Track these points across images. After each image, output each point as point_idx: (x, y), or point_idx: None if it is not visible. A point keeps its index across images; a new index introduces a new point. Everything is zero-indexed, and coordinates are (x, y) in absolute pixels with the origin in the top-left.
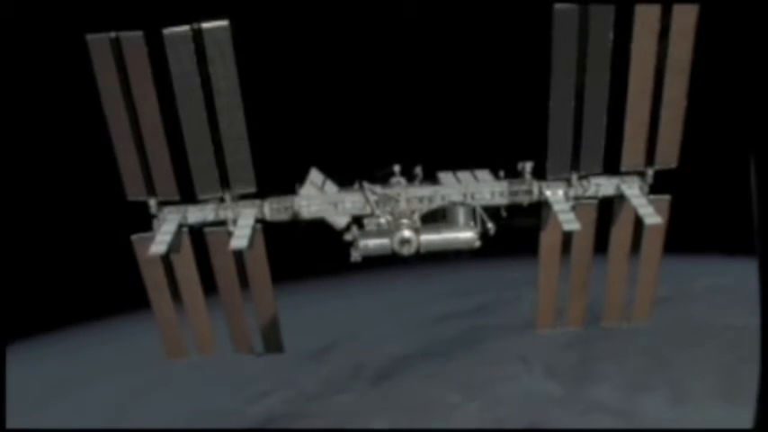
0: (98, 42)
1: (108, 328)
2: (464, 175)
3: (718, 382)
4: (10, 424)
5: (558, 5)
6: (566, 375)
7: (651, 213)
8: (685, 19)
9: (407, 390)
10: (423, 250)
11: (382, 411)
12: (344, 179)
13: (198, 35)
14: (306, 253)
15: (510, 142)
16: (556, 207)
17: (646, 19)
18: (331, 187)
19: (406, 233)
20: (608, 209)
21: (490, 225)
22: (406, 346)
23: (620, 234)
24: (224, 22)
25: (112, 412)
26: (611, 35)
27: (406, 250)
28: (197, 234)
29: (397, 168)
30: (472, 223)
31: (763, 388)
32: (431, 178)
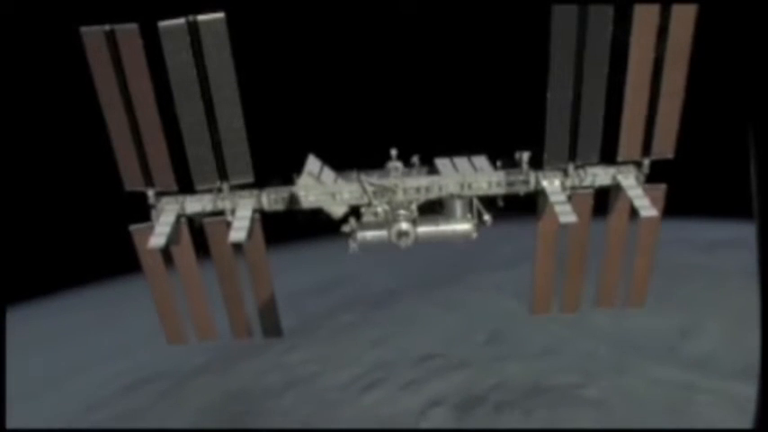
0: (92, 35)
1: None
2: (461, 162)
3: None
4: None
5: (556, 6)
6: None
7: (647, 206)
8: (685, 14)
9: (401, 310)
10: (420, 242)
11: (379, 325)
12: (343, 165)
13: (194, 28)
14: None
15: (506, 130)
16: (552, 198)
17: (645, 19)
18: (328, 175)
19: (404, 226)
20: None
21: (487, 217)
22: (399, 282)
23: (616, 222)
24: (220, 15)
25: (126, 349)
26: (609, 34)
27: (404, 242)
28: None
29: (394, 152)
30: (469, 215)
31: (763, 388)
32: (428, 163)
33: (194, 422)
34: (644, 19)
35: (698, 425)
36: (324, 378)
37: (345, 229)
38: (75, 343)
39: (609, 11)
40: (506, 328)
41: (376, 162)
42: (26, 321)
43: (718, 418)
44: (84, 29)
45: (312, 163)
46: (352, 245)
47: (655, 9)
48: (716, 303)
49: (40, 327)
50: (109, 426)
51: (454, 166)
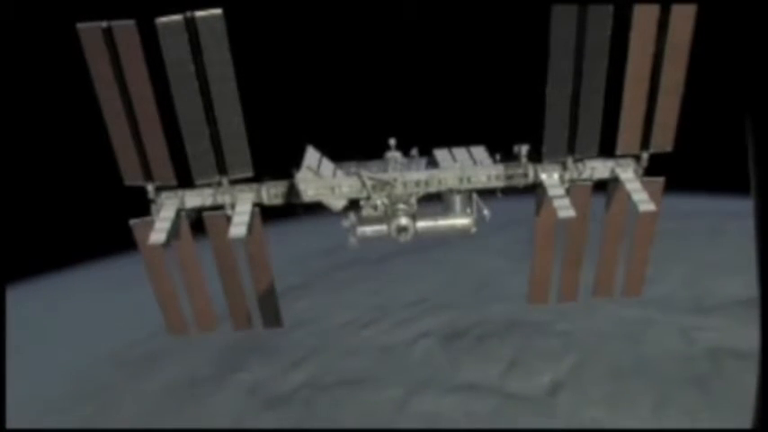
0: (89, 31)
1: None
2: (460, 153)
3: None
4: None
5: (556, 6)
6: (514, 257)
7: (645, 200)
8: (684, 14)
9: (397, 268)
10: (419, 237)
11: (376, 279)
12: (341, 155)
13: (191, 24)
14: None
15: (505, 123)
16: (551, 192)
17: (645, 18)
18: (327, 167)
19: (403, 221)
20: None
21: (486, 212)
22: (396, 246)
23: (615, 215)
24: (218, 11)
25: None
26: (608, 34)
27: (403, 237)
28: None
29: (393, 142)
30: (469, 210)
31: (763, 388)
32: (426, 154)
33: (216, 357)
34: (644, 19)
35: (649, 349)
36: (327, 319)
37: (345, 224)
38: (102, 304)
39: (609, 10)
40: (490, 280)
41: (375, 152)
42: (60, 289)
43: (667, 343)
44: (81, 25)
45: (311, 155)
46: (352, 240)
47: (654, 9)
48: (680, 256)
49: (79, 291)
50: (144, 361)
51: (453, 157)
